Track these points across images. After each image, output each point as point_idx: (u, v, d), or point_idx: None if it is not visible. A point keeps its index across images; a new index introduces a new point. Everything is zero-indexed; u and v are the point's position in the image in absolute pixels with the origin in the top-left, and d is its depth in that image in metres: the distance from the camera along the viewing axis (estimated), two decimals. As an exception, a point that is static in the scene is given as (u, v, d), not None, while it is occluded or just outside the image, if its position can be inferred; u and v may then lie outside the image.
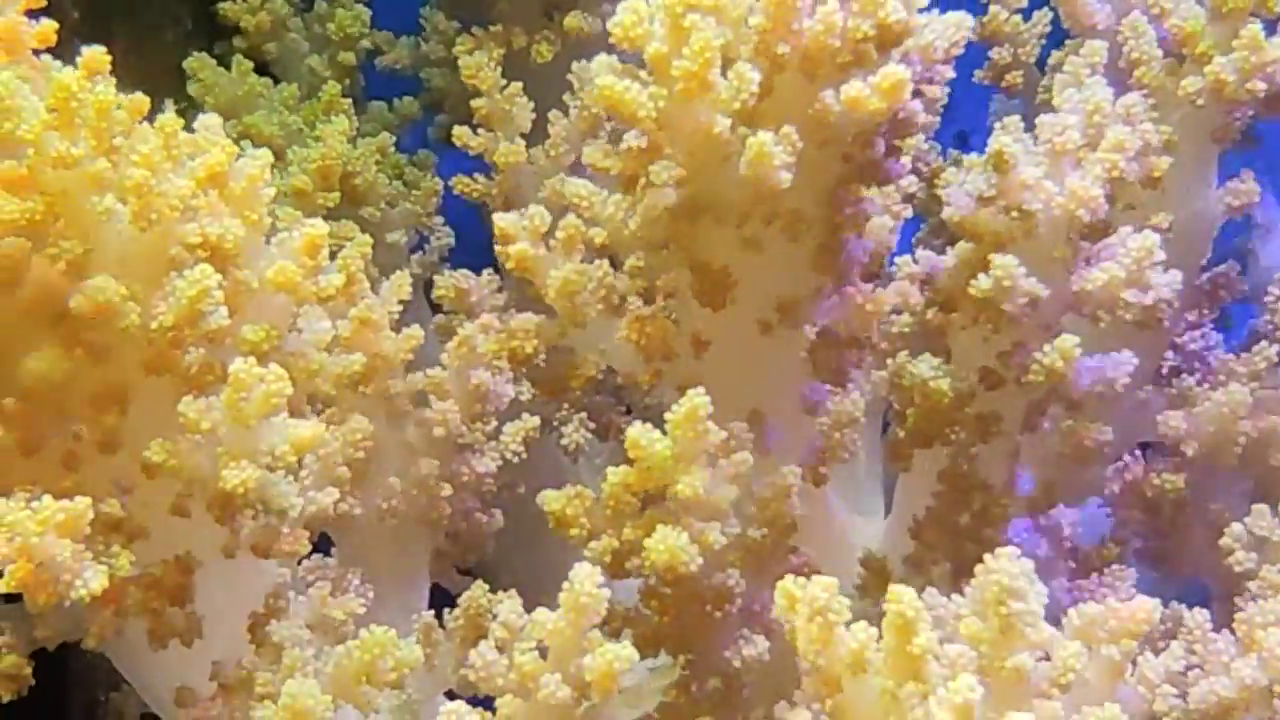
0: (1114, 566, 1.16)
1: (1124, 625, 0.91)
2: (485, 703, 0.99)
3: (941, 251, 1.16)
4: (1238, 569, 1.12)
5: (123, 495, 0.99)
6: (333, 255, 1.11)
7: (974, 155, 1.15)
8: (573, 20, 1.44)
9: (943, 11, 1.06)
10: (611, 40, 1.00)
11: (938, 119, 1.28)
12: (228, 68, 1.50)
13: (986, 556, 0.87)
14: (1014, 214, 1.04)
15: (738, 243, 1.04)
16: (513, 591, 1.15)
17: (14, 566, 0.91)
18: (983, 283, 1.03)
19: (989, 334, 1.07)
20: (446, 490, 1.21)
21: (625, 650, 0.93)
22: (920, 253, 1.14)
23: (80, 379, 0.95)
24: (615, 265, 1.12)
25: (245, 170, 0.99)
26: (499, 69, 1.39)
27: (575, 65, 1.37)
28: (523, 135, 1.39)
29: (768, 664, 1.06)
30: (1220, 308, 1.36)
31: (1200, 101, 1.17)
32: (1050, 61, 1.35)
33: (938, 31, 1.01)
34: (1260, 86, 1.16)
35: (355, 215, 1.42)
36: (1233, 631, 1.02)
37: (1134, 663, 0.95)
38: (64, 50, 0.99)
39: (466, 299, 1.35)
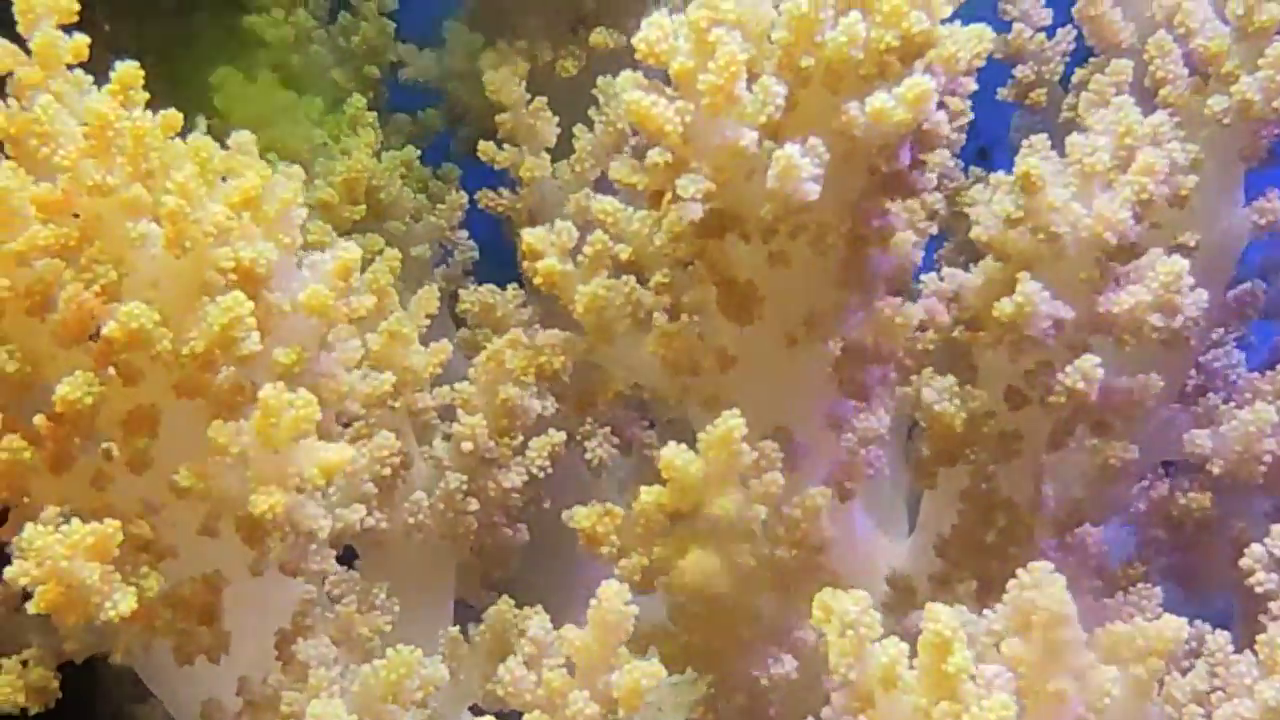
0: (1140, 585, 1.15)
1: (1152, 645, 0.92)
2: (511, 718, 1.00)
3: (966, 268, 1.17)
4: (1259, 590, 1.12)
5: (152, 515, 0.99)
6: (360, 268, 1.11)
7: (1000, 173, 1.15)
8: (598, 36, 1.44)
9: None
10: (637, 55, 1.00)
11: (963, 136, 1.28)
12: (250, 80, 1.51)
13: (1021, 572, 0.88)
14: (1041, 235, 1.04)
15: (764, 257, 1.04)
16: (539, 607, 1.16)
17: (44, 589, 0.92)
18: (1005, 306, 1.03)
19: (1014, 353, 1.07)
20: (473, 505, 1.22)
21: (653, 668, 0.93)
22: (946, 270, 1.14)
23: (112, 401, 0.96)
24: (641, 280, 1.12)
25: (278, 193, 0.99)
26: (523, 84, 1.39)
27: (600, 80, 1.37)
28: (547, 150, 1.39)
29: (795, 683, 1.06)
30: (1245, 325, 1.36)
31: (1227, 121, 1.17)
32: (1074, 79, 1.35)
33: (960, 43, 1.01)
34: (1286, 105, 1.16)
35: (380, 228, 1.42)
36: (1255, 652, 1.02)
37: (1160, 682, 0.96)
38: (97, 61, 0.99)
39: (492, 314, 1.36)
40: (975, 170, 1.43)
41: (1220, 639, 1.04)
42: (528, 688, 0.98)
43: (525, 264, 1.10)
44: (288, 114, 1.47)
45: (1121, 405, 1.10)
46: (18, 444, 0.95)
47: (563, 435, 1.27)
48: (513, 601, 1.19)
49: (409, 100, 1.62)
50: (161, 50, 1.40)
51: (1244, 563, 1.15)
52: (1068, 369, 1.06)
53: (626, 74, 1.01)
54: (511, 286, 1.39)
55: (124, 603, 0.94)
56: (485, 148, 1.39)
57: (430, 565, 1.25)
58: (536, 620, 1.02)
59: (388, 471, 1.15)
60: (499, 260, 1.54)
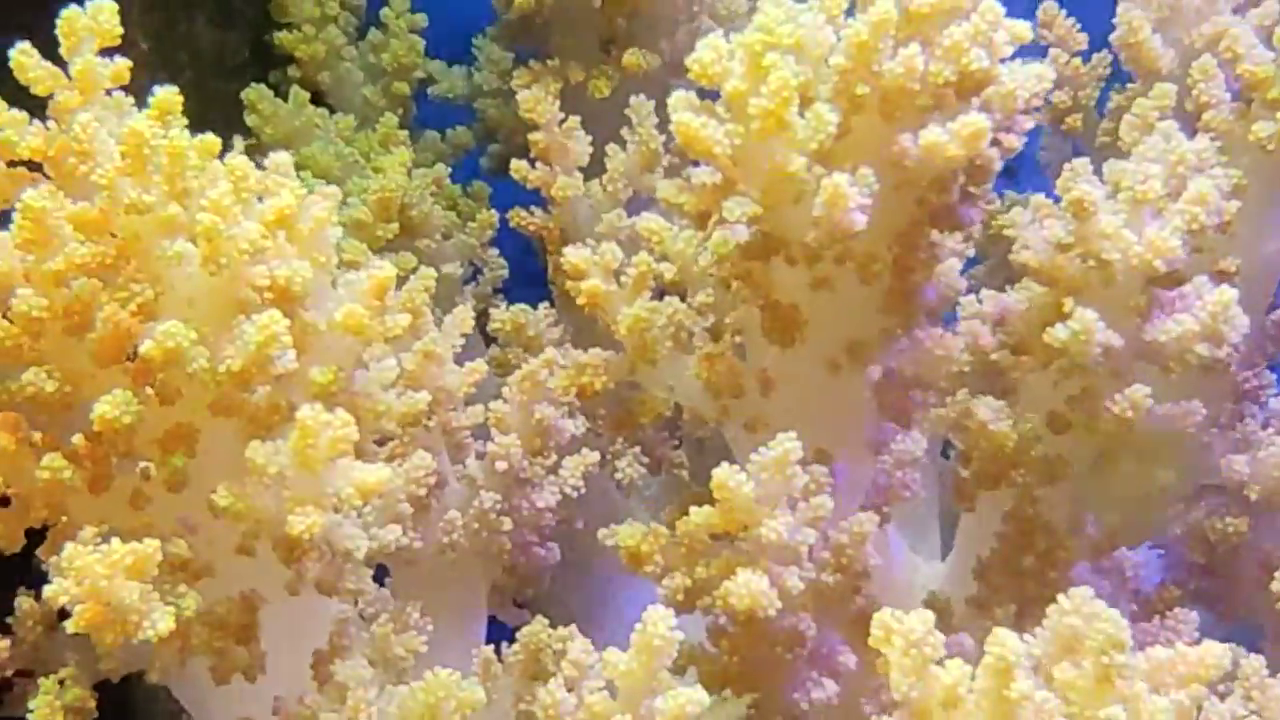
0: (1176, 610, 1.15)
1: (1193, 670, 0.91)
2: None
3: (1001, 289, 1.16)
4: (1289, 614, 1.12)
5: (189, 534, 0.99)
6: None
7: (1040, 196, 1.14)
8: (631, 58, 1.43)
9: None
10: (690, 76, 1.00)
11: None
12: (281, 95, 1.51)
13: (1061, 598, 0.88)
14: (1092, 262, 1.03)
15: (808, 281, 1.04)
16: (574, 627, 1.15)
17: (83, 607, 0.91)
18: (1060, 333, 1.02)
19: (1059, 378, 1.06)
20: (507, 525, 1.21)
21: (698, 694, 0.92)
22: (986, 293, 1.14)
23: (149, 420, 0.95)
24: (683, 299, 1.12)
25: (313, 212, 0.99)
26: (557, 103, 1.38)
27: (633, 100, 1.37)
28: (580, 169, 1.39)
29: (834, 707, 1.05)
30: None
31: (1270, 147, 1.17)
32: (1111, 104, 1.35)
33: (1019, 81, 1.00)
34: (1332, 131, 1.15)
35: (411, 246, 1.42)
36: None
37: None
38: (135, 80, 1.00)
39: (524, 333, 1.36)
40: (1011, 194, 1.42)
41: (1255, 663, 1.04)
42: (568, 710, 0.97)
43: (568, 284, 1.10)
44: (319, 131, 1.47)
45: (1163, 431, 1.09)
46: (58, 463, 0.95)
47: (596, 455, 1.27)
48: (546, 621, 1.19)
49: (436, 116, 1.62)
50: (194, 70, 1.40)
51: (1275, 586, 1.14)
52: (1116, 396, 1.05)
53: (679, 94, 1.01)
54: (543, 306, 1.39)
55: (162, 622, 0.93)
56: (518, 166, 1.39)
57: (463, 584, 1.25)
58: (578, 643, 1.01)
59: (423, 491, 1.15)
60: (527, 277, 1.54)
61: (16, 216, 0.95)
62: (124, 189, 0.94)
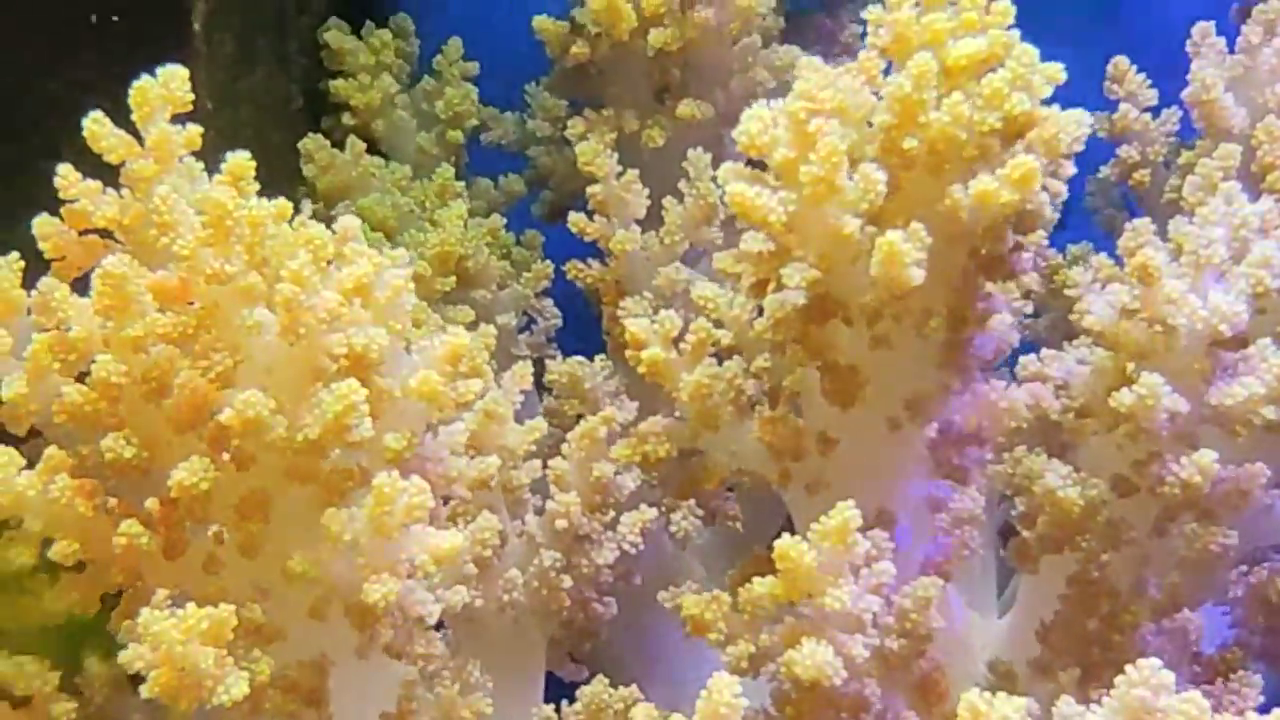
0: (1240, 672, 1.15)
1: (1260, 738, 0.91)
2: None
3: (1061, 344, 1.17)
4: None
5: (262, 598, 1.00)
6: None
7: (1101, 256, 1.15)
8: (686, 108, 1.44)
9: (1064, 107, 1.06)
10: (738, 148, 1.01)
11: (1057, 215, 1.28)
12: (333, 141, 1.52)
13: (1130, 669, 0.88)
14: (1158, 328, 1.04)
15: (866, 341, 1.04)
16: (634, 688, 1.16)
17: (158, 673, 0.92)
18: (1126, 399, 1.03)
19: (1124, 442, 1.07)
20: (567, 583, 1.21)
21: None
22: (1047, 353, 1.14)
23: (224, 486, 0.96)
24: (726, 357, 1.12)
25: (390, 281, 1.00)
26: (614, 155, 1.39)
27: (690, 154, 1.37)
28: (637, 221, 1.39)
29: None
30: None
31: (1336, 209, 1.17)
32: (1179, 161, 1.35)
33: (1061, 125, 1.01)
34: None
35: (467, 298, 1.42)
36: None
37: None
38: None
39: (580, 385, 1.36)
40: (1073, 249, 1.42)
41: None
42: (635, 774, 0.98)
43: (629, 353, 1.10)
44: (375, 182, 1.48)
45: (1227, 494, 1.09)
46: (135, 529, 0.96)
47: (654, 511, 1.27)
48: (606, 680, 1.19)
49: (481, 161, 1.63)
50: (255, 125, 1.41)
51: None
52: (1182, 461, 1.05)
53: (728, 165, 1.02)
54: (599, 358, 1.39)
55: (237, 687, 0.94)
56: (576, 219, 1.39)
57: (522, 640, 1.25)
58: (641, 710, 1.01)
59: (488, 553, 1.15)
60: (580, 323, 1.54)
61: (97, 283, 0.96)
62: (205, 259, 0.95)
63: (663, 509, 1.38)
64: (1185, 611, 1.14)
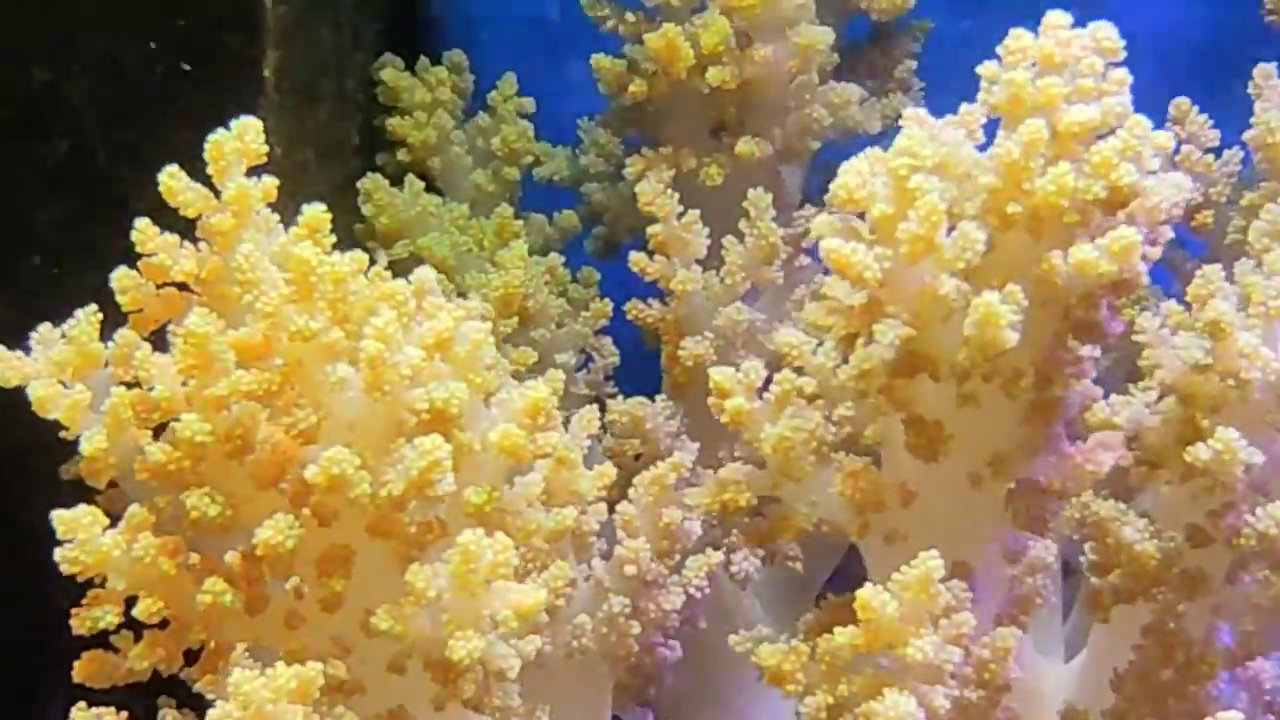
0: (1314, 721, 1.15)
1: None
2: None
3: (1124, 384, 1.16)
4: None
5: (344, 654, 1.00)
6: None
7: (1171, 303, 1.14)
8: (745, 146, 1.44)
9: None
10: (833, 202, 1.01)
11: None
12: (388, 178, 1.52)
13: None
14: (1230, 381, 1.03)
15: (953, 397, 1.04)
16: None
17: (245, 731, 0.92)
18: (1202, 453, 1.02)
19: (1198, 494, 1.06)
20: (635, 628, 1.21)
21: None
22: (1116, 400, 1.14)
23: (306, 541, 0.96)
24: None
25: (469, 335, 1.00)
26: (675, 195, 1.39)
27: (751, 194, 1.37)
28: (698, 261, 1.39)
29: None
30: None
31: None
32: (1243, 203, 1.35)
33: (1163, 193, 1.01)
34: None
35: (527, 338, 1.42)
36: None
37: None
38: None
39: (641, 426, 1.36)
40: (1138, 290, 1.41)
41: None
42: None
43: (711, 401, 1.10)
44: (434, 220, 1.48)
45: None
46: (220, 587, 0.96)
47: (720, 555, 1.27)
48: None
49: (532, 196, 1.63)
50: (319, 167, 1.42)
51: None
52: (1258, 512, 1.05)
53: (823, 219, 1.02)
54: (659, 397, 1.39)
55: (324, 745, 0.94)
56: (637, 259, 1.39)
57: (589, 685, 1.25)
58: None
59: (560, 601, 1.15)
60: (636, 360, 1.54)
61: (179, 342, 0.96)
62: (289, 316, 0.95)
63: (723, 549, 1.38)
64: (1259, 660, 1.13)
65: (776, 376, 1.10)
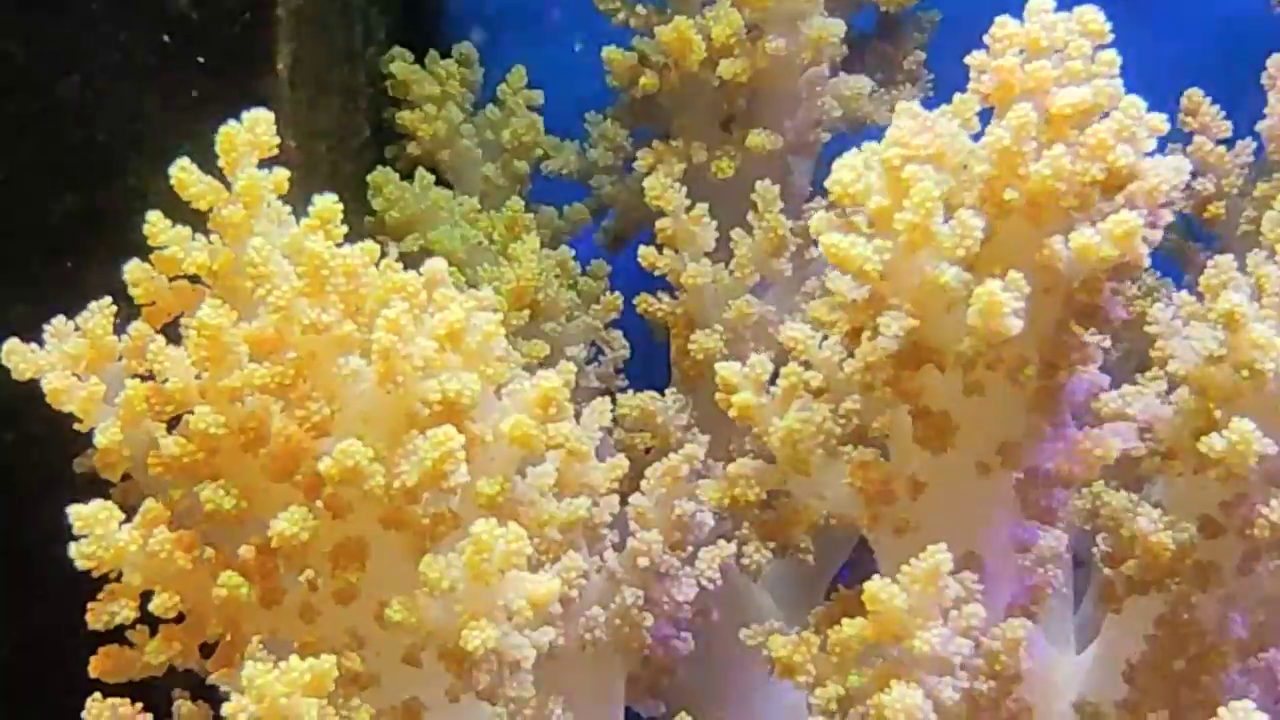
0: (1328, 713, 1.14)
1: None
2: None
3: (1133, 374, 1.16)
4: None
5: (359, 646, 1.00)
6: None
7: (1184, 293, 1.14)
8: (755, 139, 1.44)
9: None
10: (830, 198, 1.01)
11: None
12: (397, 170, 1.52)
13: (1223, 711, 0.90)
14: (1245, 373, 1.03)
15: (959, 387, 1.04)
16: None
17: (260, 724, 0.92)
18: (1216, 444, 1.02)
19: (1212, 484, 1.06)
20: (648, 620, 1.22)
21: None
22: (1127, 390, 1.14)
23: (320, 534, 0.96)
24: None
25: (481, 326, 1.00)
26: (683, 188, 1.39)
27: (759, 186, 1.37)
28: (707, 254, 1.39)
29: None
30: None
31: None
32: (1254, 193, 1.35)
33: (1161, 175, 1.01)
34: None
35: (538, 331, 1.42)
36: None
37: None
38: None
39: (653, 420, 1.36)
40: (1149, 281, 1.42)
41: None
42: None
43: (719, 396, 1.10)
44: (444, 214, 1.48)
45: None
46: (235, 580, 0.96)
47: (732, 547, 1.27)
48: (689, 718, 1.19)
49: (541, 189, 1.63)
50: (331, 160, 1.42)
51: None
52: (1272, 503, 1.05)
53: (820, 215, 1.02)
54: (669, 390, 1.40)
55: (337, 736, 0.94)
56: (646, 253, 1.39)
57: (602, 676, 1.25)
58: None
59: (574, 592, 1.15)
60: (645, 354, 1.54)
61: (192, 335, 0.96)
62: (301, 309, 0.95)
63: (734, 539, 1.38)
64: (1272, 651, 1.13)
65: (783, 370, 1.10)
